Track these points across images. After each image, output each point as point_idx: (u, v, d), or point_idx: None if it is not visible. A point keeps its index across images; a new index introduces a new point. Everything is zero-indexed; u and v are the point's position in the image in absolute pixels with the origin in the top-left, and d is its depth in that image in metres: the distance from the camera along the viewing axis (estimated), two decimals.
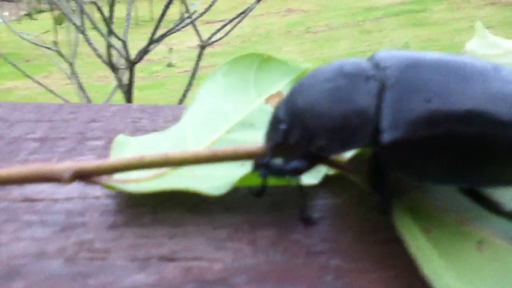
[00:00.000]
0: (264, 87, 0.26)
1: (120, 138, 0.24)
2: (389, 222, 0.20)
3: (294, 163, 0.19)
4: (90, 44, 1.65)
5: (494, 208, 0.18)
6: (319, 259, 0.18)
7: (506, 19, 4.51)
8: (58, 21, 2.20)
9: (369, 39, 4.76)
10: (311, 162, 0.19)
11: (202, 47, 1.69)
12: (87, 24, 1.69)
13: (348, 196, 0.22)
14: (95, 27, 1.59)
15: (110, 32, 1.58)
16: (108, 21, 1.56)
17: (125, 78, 1.72)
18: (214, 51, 4.54)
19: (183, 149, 0.23)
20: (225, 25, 1.69)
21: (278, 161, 0.19)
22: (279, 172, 0.19)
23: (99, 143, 0.27)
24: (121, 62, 1.75)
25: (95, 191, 0.22)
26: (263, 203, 0.21)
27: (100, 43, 1.69)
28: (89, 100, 1.82)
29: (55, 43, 1.95)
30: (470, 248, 0.17)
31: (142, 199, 0.21)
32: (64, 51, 1.89)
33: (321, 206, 0.22)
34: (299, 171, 0.19)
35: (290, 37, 5.27)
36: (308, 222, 0.20)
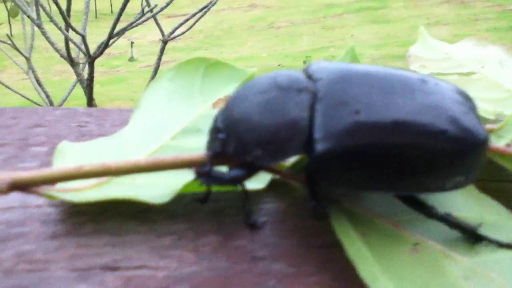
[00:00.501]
0: (210, 92, 0.26)
1: (63, 145, 0.24)
2: (327, 228, 0.21)
3: (234, 172, 0.19)
4: (47, 38, 1.61)
5: (427, 211, 0.19)
6: (261, 264, 0.18)
7: (459, 16, 4.64)
8: (11, 13, 2.14)
9: (331, 35, 4.81)
10: (250, 171, 0.20)
11: (164, 42, 1.68)
12: (43, 16, 1.65)
13: (292, 201, 0.22)
14: (52, 20, 1.56)
15: (68, 26, 1.55)
16: (64, 13, 1.53)
17: (85, 73, 1.69)
18: (177, 45, 4.50)
19: (125, 156, 0.23)
20: (187, 20, 1.68)
21: (218, 170, 0.20)
22: (219, 181, 0.20)
23: (42, 149, 0.26)
24: (80, 57, 1.72)
25: (37, 200, 0.21)
26: (206, 209, 0.21)
27: (57, 37, 1.65)
28: (47, 95, 1.78)
29: (9, 36, 1.90)
30: (404, 250, 0.18)
31: (83, 208, 0.21)
32: (19, 44, 1.84)
33: (266, 210, 0.22)
34: (238, 180, 0.20)
35: (253, 32, 5.28)
36: (252, 227, 0.20)
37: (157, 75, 1.77)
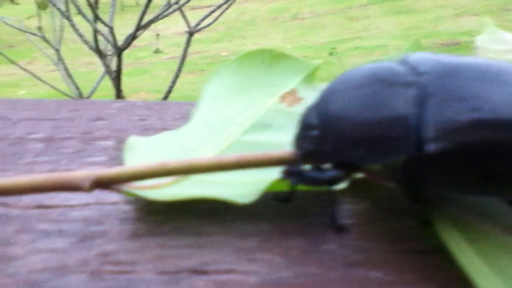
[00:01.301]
0: (276, 85, 0.25)
1: (132, 140, 0.23)
2: (421, 230, 0.19)
3: (330, 172, 0.18)
4: (76, 30, 1.62)
5: None
6: (357, 272, 0.17)
7: (488, 6, 4.54)
8: (41, 6, 2.15)
9: (355, 26, 4.75)
10: (347, 171, 0.18)
11: (190, 33, 1.67)
12: (72, 9, 1.65)
13: (375, 201, 0.21)
14: (80, 13, 1.56)
15: (96, 18, 1.55)
16: (93, 6, 1.53)
17: (113, 65, 1.70)
18: (199, 37, 4.49)
19: (199, 151, 0.22)
20: (213, 11, 1.67)
21: (310, 170, 0.19)
22: (314, 182, 0.18)
23: (108, 143, 0.25)
24: (108, 48, 1.72)
25: (112, 196, 0.20)
26: (289, 208, 0.20)
27: (84, 29, 1.65)
28: (77, 87, 1.79)
29: (39, 28, 1.91)
30: None
31: (160, 206, 0.20)
32: (48, 36, 1.85)
33: (349, 211, 0.21)
34: (335, 181, 0.18)
35: (275, 23, 5.24)
36: (341, 230, 0.19)
37: (184, 68, 1.77)
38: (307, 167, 0.19)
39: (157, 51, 4.28)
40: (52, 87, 1.88)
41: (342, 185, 0.21)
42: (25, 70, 1.96)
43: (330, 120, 0.18)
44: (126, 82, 3.08)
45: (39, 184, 0.17)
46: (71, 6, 1.65)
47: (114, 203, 0.20)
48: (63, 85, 1.85)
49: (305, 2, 5.71)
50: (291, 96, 0.24)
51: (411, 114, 0.17)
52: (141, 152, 0.22)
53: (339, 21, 5.06)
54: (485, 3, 4.72)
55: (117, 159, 0.24)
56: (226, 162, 0.18)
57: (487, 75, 0.17)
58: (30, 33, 1.96)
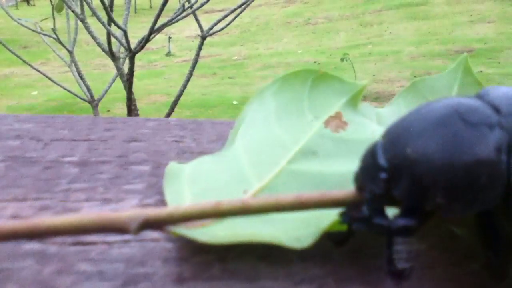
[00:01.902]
0: (320, 108, 0.24)
1: (172, 167, 0.22)
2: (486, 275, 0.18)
3: (401, 221, 0.16)
4: (90, 32, 1.62)
5: None
6: None
7: (505, 13, 4.50)
8: (57, 8, 2.15)
9: (368, 32, 4.73)
10: (422, 220, 0.16)
11: (203, 37, 1.66)
12: (87, 11, 1.65)
13: (432, 242, 0.20)
14: (95, 15, 1.56)
15: (111, 21, 1.55)
16: (108, 9, 1.53)
17: (125, 67, 1.69)
18: (213, 41, 4.49)
19: (245, 181, 0.20)
20: (226, 16, 1.66)
21: (376, 215, 0.17)
22: (382, 230, 0.16)
23: (144, 168, 0.24)
24: (120, 51, 1.72)
25: (152, 232, 0.19)
26: (342, 249, 0.19)
27: (98, 31, 1.65)
28: (88, 89, 1.79)
29: (54, 30, 1.91)
30: None
31: (206, 244, 0.18)
32: (62, 38, 1.85)
33: (405, 254, 0.19)
34: (408, 232, 0.16)
35: (289, 28, 5.23)
36: (400, 276, 0.17)
37: (196, 72, 1.75)
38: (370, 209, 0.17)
39: (168, 54, 4.28)
40: (64, 88, 1.88)
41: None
42: (38, 71, 1.97)
43: (403, 161, 0.16)
44: (138, 84, 3.08)
45: (83, 224, 0.16)
46: (86, 9, 1.65)
47: (155, 240, 0.19)
48: (76, 86, 1.85)
49: (319, 7, 5.69)
50: (336, 120, 0.23)
51: (500, 160, 0.15)
52: (182, 182, 0.21)
53: (353, 27, 5.05)
54: (503, 10, 4.68)
55: (155, 187, 0.22)
56: (284, 202, 0.17)
57: None
58: (44, 34, 1.96)
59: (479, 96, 0.17)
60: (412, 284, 0.18)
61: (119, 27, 1.55)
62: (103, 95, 1.84)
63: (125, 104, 1.80)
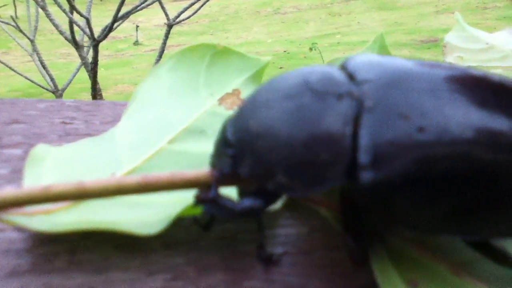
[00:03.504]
0: (217, 85, 0.22)
1: (39, 149, 0.19)
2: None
3: (247, 202, 0.15)
4: (51, 20, 1.58)
5: (500, 258, 0.15)
6: None
7: (468, 4, 4.57)
8: None
9: (337, 22, 4.75)
10: (268, 200, 0.15)
11: (170, 26, 1.64)
12: None
13: (315, 225, 0.18)
14: (56, 3, 1.52)
15: (72, 8, 1.51)
16: None
17: (90, 57, 1.66)
18: (182, 30, 4.45)
19: (114, 166, 0.18)
20: (193, 4, 1.64)
21: (225, 196, 0.15)
22: (227, 212, 0.15)
23: (16, 152, 0.22)
24: (84, 40, 1.68)
25: None
26: (211, 235, 0.17)
27: (62, 19, 1.61)
28: (51, 78, 1.75)
29: (14, 18, 1.86)
30: None
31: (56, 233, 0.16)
32: (24, 26, 1.80)
33: (283, 237, 0.18)
34: (253, 212, 0.15)
35: (258, 17, 5.21)
36: (268, 262, 0.16)
37: (163, 61, 1.74)
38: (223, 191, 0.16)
39: (136, 43, 4.22)
40: (26, 78, 1.83)
41: (275, 206, 0.17)
42: None
43: (249, 137, 0.14)
44: (105, 74, 3.03)
45: None
46: None
47: (0, 230, 0.17)
48: (39, 76, 1.81)
49: None
50: (233, 97, 0.21)
51: (344, 134, 0.14)
52: (45, 166, 0.19)
53: (322, 16, 5.06)
54: (466, 1, 4.76)
55: (22, 172, 0.20)
56: (127, 185, 0.15)
57: (440, 86, 0.14)
58: (3, 22, 1.91)
59: (342, 65, 0.16)
60: (283, 270, 0.16)
61: (81, 14, 1.51)
62: (67, 85, 1.80)
63: (90, 94, 1.77)
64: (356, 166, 0.14)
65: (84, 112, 0.26)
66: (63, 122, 0.25)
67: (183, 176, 0.15)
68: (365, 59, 0.15)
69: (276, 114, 0.14)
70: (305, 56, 3.47)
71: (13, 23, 1.81)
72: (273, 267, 0.16)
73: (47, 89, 1.80)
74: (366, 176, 0.13)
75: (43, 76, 1.78)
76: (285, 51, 3.77)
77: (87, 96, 2.63)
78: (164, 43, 1.66)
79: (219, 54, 0.23)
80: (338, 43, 3.89)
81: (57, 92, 1.80)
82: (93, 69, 1.66)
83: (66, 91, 1.79)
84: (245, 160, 0.14)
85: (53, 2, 1.59)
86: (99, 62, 1.65)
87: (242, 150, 0.15)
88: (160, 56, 1.67)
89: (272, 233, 0.17)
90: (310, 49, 3.29)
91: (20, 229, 0.17)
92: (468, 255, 0.15)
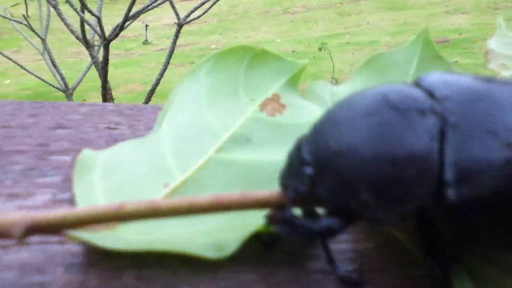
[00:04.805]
0: (256, 90, 0.21)
1: (85, 155, 0.19)
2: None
3: (326, 221, 0.14)
4: (62, 19, 1.57)
5: None
6: None
7: (479, 5, 4.53)
8: None
9: (346, 22, 4.72)
10: (348, 220, 0.14)
11: (180, 25, 1.63)
12: None
13: (381, 239, 0.17)
14: (68, 1, 1.51)
15: (84, 7, 1.50)
16: None
17: (100, 56, 1.65)
18: (191, 29, 4.44)
19: (165, 175, 0.18)
20: (203, 3, 1.63)
21: (301, 217, 0.15)
22: (304, 232, 0.14)
23: (65, 158, 0.21)
24: (95, 39, 1.67)
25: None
26: (277, 250, 0.17)
27: (73, 18, 1.61)
28: (62, 77, 1.75)
29: (26, 17, 1.86)
30: None
31: None
32: (35, 25, 1.80)
33: (350, 254, 0.17)
34: (332, 233, 0.14)
35: (267, 17, 5.20)
36: (352, 285, 0.15)
37: (173, 61, 1.72)
38: (297, 212, 0.15)
39: (145, 42, 4.22)
40: (37, 77, 1.82)
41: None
42: (10, 59, 1.91)
43: (329, 156, 0.14)
44: (114, 73, 3.02)
45: None
46: None
47: (61, 243, 0.16)
48: (50, 75, 1.81)
49: None
50: (273, 103, 0.21)
51: (431, 151, 0.13)
52: (94, 174, 0.18)
53: (331, 16, 5.03)
54: (477, 1, 4.71)
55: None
56: (199, 204, 0.14)
57: None
58: (15, 21, 1.90)
59: (416, 83, 0.15)
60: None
61: (92, 13, 1.50)
62: (78, 84, 1.79)
63: (100, 93, 1.76)
64: (442, 183, 0.13)
65: (127, 116, 0.26)
66: (108, 128, 0.24)
67: (255, 196, 0.15)
68: (439, 77, 0.15)
69: (357, 132, 0.14)
70: (314, 56, 3.45)
71: (24, 22, 1.80)
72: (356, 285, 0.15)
73: (57, 88, 1.79)
74: (452, 193, 0.13)
75: (54, 75, 1.77)
76: (294, 51, 3.76)
77: (97, 95, 2.62)
78: (174, 42, 1.64)
79: (257, 57, 0.22)
80: (347, 43, 3.86)
81: (68, 91, 1.79)
82: (103, 68, 1.65)
83: (76, 90, 1.78)
84: (326, 180, 0.14)
85: (64, 0, 1.58)
86: (108, 62, 1.64)
87: (322, 169, 0.14)
88: (170, 55, 1.66)
89: (337, 249, 0.17)
90: (319, 49, 3.26)
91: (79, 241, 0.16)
92: None
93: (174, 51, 1.65)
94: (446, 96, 0.14)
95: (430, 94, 0.14)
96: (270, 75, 0.22)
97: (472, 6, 4.54)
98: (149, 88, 1.71)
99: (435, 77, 0.15)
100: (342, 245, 0.17)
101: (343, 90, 0.23)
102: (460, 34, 3.69)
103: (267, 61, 0.22)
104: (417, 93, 0.14)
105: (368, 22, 4.56)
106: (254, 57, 0.22)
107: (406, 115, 0.14)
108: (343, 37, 4.09)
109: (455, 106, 0.14)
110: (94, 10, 1.51)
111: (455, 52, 3.20)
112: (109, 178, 0.18)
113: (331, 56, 3.15)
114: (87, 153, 0.19)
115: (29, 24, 1.78)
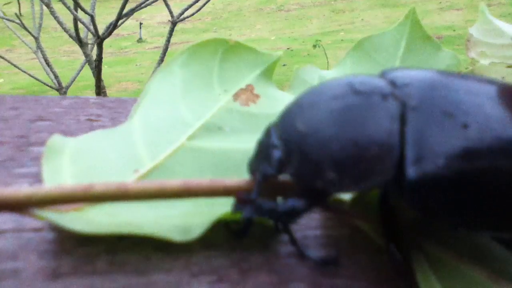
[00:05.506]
0: (230, 81, 0.22)
1: (55, 140, 0.19)
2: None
3: (290, 203, 0.15)
4: (55, 17, 1.57)
5: None
6: None
7: (472, 1, 4.54)
8: None
9: (340, 19, 4.73)
10: (312, 201, 0.15)
11: (173, 23, 1.63)
12: None
13: (356, 226, 0.17)
14: (61, 0, 1.51)
15: (77, 6, 1.50)
16: None
17: (94, 54, 1.65)
18: (185, 27, 4.44)
19: (135, 162, 0.18)
20: (196, 1, 1.63)
21: (264, 199, 0.15)
22: (269, 214, 0.15)
23: (44, 149, 0.21)
24: (89, 37, 1.67)
25: (33, 221, 0.17)
26: (252, 233, 0.17)
27: (66, 17, 1.60)
28: (55, 76, 1.74)
29: (18, 15, 1.85)
30: None
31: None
32: (28, 24, 1.79)
33: (325, 239, 0.17)
34: (297, 214, 0.15)
35: (261, 14, 5.20)
36: (325, 264, 0.16)
37: (167, 59, 1.72)
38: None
39: (139, 41, 4.21)
40: (31, 75, 1.82)
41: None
42: (3, 58, 1.90)
43: (296, 138, 0.15)
44: (108, 71, 3.02)
45: None
46: None
47: (36, 230, 0.16)
48: (43, 74, 1.80)
49: None
50: (247, 93, 0.21)
51: (392, 131, 0.14)
52: (63, 159, 0.18)
53: (325, 13, 5.04)
54: None
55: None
56: (168, 189, 0.15)
57: (477, 90, 0.15)
58: (7, 19, 1.90)
59: (380, 75, 0.16)
60: (329, 272, 0.16)
61: (85, 12, 1.50)
62: (71, 83, 1.79)
63: (94, 91, 1.76)
64: (402, 161, 0.14)
65: (109, 109, 0.26)
66: (89, 120, 0.24)
67: (224, 184, 0.15)
68: (403, 70, 0.16)
69: (323, 114, 0.14)
70: (308, 53, 3.45)
71: (17, 21, 1.80)
72: (330, 267, 0.16)
73: (51, 87, 1.79)
74: (412, 170, 0.14)
75: (47, 74, 1.77)
76: (288, 48, 3.76)
77: (91, 93, 2.62)
78: (168, 40, 1.64)
79: (231, 50, 0.22)
80: (341, 40, 3.87)
81: (61, 90, 1.78)
82: (97, 67, 1.65)
83: (69, 88, 1.78)
84: (293, 160, 0.15)
85: None
86: (102, 60, 1.64)
87: (290, 150, 0.15)
88: (164, 53, 1.66)
89: (313, 235, 0.17)
90: (314, 46, 3.27)
91: (56, 228, 0.16)
92: (507, 262, 0.15)
93: (168, 49, 1.66)
94: (406, 83, 0.15)
95: (392, 83, 0.15)
96: (244, 67, 0.22)
97: (465, 3, 4.56)
98: (143, 86, 1.71)
99: (399, 70, 0.16)
100: (319, 231, 0.17)
101: (333, 74, 0.23)
102: (454, 30, 3.71)
103: (242, 53, 0.22)
104: (380, 81, 0.15)
105: (362, 19, 4.57)
106: (229, 49, 0.22)
107: (369, 99, 0.14)
108: (337, 34, 4.10)
109: (414, 91, 0.15)
110: (88, 8, 1.51)
111: (448, 48, 3.21)
112: (78, 163, 0.18)
113: (325, 53, 3.15)
114: (57, 138, 0.19)
115: (22, 23, 1.78)
